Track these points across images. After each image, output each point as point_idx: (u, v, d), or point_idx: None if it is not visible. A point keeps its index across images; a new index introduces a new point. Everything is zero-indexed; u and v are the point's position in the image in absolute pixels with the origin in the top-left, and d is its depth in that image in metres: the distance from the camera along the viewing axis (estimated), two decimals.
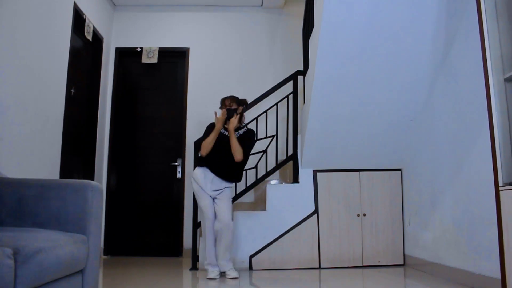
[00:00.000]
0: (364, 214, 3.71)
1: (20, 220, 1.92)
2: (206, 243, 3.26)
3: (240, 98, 3.44)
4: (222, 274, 3.23)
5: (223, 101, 3.40)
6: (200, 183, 3.26)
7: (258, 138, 3.76)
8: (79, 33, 3.91)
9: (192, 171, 3.84)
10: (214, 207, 3.25)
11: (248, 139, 3.39)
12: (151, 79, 4.78)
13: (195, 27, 4.84)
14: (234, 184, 3.45)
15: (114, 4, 4.79)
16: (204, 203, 3.25)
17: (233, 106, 3.36)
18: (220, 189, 3.28)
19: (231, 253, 3.29)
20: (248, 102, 3.59)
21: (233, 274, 3.17)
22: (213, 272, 3.18)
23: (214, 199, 3.27)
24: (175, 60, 4.80)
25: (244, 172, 3.84)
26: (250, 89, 4.23)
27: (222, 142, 3.29)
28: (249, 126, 3.61)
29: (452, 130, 2.96)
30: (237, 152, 3.23)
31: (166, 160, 4.62)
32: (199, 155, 3.41)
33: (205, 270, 3.27)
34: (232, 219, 3.31)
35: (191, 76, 4.71)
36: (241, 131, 3.41)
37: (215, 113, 3.34)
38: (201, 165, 3.33)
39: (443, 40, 2.97)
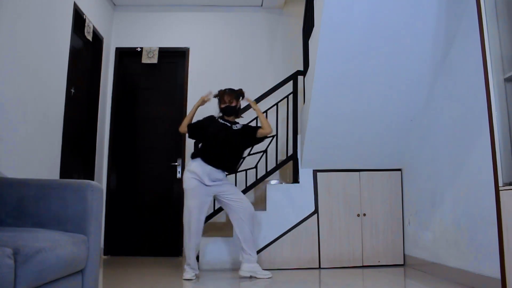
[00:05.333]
0: (364, 214, 3.71)
1: (20, 220, 1.92)
2: (190, 243, 3.14)
3: (236, 89, 3.41)
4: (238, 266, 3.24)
5: (222, 96, 3.36)
6: (200, 175, 3.15)
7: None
8: (79, 33, 3.91)
9: None
10: (228, 203, 3.20)
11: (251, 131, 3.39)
12: (151, 79, 4.78)
13: (195, 27, 4.84)
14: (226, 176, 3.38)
15: (114, 4, 4.79)
16: (194, 203, 3.14)
17: (233, 103, 3.34)
18: (219, 180, 3.21)
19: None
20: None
21: (262, 274, 3.18)
22: (190, 273, 3.11)
23: (219, 197, 3.23)
24: (175, 60, 4.79)
25: (244, 172, 3.86)
26: (250, 89, 4.21)
27: (223, 133, 3.25)
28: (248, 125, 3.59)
29: (452, 130, 2.96)
30: (267, 126, 3.33)
31: (166, 160, 4.61)
32: (199, 147, 3.42)
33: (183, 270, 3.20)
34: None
35: (191, 76, 4.71)
36: (239, 126, 3.38)
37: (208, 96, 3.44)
38: (195, 157, 3.25)
39: (443, 40, 2.97)
